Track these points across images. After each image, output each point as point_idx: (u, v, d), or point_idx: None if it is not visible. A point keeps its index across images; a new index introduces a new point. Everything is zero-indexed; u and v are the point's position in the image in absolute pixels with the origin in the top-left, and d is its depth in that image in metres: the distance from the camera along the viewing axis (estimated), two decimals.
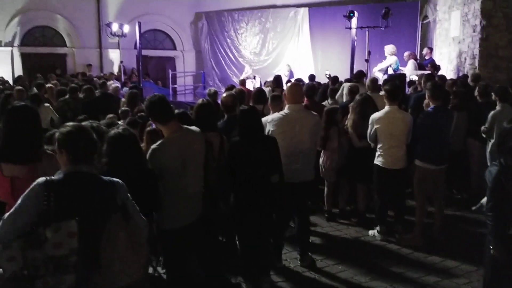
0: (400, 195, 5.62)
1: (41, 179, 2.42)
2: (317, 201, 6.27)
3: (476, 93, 6.92)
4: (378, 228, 5.52)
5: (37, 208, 2.36)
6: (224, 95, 5.28)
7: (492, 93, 6.46)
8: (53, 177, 2.44)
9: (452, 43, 12.28)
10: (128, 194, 2.64)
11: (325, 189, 6.09)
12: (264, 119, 4.52)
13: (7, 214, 2.42)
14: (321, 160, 5.90)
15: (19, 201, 2.42)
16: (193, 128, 3.70)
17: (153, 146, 3.44)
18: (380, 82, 8.42)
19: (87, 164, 2.52)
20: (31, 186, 2.42)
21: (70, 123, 2.62)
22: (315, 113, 4.83)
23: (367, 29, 11.88)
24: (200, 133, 3.70)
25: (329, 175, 5.94)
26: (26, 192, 2.42)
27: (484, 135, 6.28)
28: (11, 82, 13.32)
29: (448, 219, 5.89)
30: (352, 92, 6.80)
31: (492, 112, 6.17)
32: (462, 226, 5.94)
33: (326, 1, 17.40)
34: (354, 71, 10.21)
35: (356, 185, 6.05)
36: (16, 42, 16.61)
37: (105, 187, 2.53)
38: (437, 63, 11.50)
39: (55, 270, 2.33)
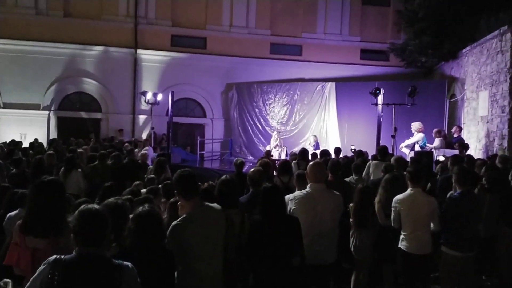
0: (426, 281, 5.38)
1: (52, 258, 2.51)
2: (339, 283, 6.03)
3: (510, 177, 6.64)
4: None
5: (44, 286, 2.43)
6: (252, 169, 5.35)
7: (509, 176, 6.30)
8: (62, 257, 2.51)
9: (481, 122, 12.24)
10: (138, 280, 2.63)
11: (354, 272, 5.78)
12: (286, 197, 4.50)
13: None
14: (352, 240, 5.73)
15: (33, 276, 2.51)
16: (214, 205, 3.72)
17: (175, 222, 3.46)
18: (407, 159, 8.33)
19: (97, 247, 2.55)
20: (43, 263, 2.51)
21: (85, 206, 2.65)
22: (337, 192, 4.79)
23: (393, 106, 12.00)
24: (221, 211, 3.71)
25: (364, 255, 5.66)
26: (38, 269, 2.50)
27: None
28: (45, 144, 13.87)
29: None
30: (387, 171, 6.61)
31: None
32: None
33: (352, 76, 17.89)
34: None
35: (382, 266, 5.79)
36: (54, 106, 17.39)
37: (111, 271, 2.54)
38: (466, 141, 11.42)
39: None
